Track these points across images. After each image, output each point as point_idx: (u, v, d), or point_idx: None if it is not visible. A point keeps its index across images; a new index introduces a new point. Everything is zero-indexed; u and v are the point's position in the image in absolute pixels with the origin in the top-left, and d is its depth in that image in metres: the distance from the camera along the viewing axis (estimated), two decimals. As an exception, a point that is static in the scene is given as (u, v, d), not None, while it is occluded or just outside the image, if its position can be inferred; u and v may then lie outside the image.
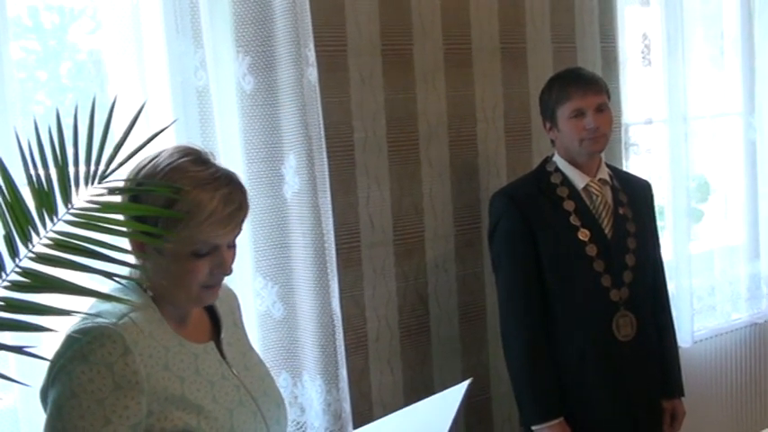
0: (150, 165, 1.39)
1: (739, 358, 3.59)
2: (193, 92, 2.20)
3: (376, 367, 2.65)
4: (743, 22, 3.53)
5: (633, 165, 3.25)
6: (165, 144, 1.51)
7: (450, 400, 1.71)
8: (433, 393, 2.71)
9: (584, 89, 2.35)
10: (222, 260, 1.41)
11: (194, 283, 1.40)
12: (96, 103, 1.25)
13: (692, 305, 3.26)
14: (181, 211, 1.33)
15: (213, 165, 1.42)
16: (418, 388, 2.71)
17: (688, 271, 3.25)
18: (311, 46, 2.27)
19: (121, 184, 1.28)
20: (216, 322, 1.54)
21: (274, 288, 2.34)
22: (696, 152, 3.40)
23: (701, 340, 3.36)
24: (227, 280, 1.55)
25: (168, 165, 1.38)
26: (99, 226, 1.19)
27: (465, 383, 1.75)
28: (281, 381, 2.34)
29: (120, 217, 1.30)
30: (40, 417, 2.02)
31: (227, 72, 2.28)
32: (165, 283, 1.39)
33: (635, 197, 2.46)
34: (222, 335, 1.52)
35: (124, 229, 1.27)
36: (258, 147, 2.29)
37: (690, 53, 3.29)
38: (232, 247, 1.44)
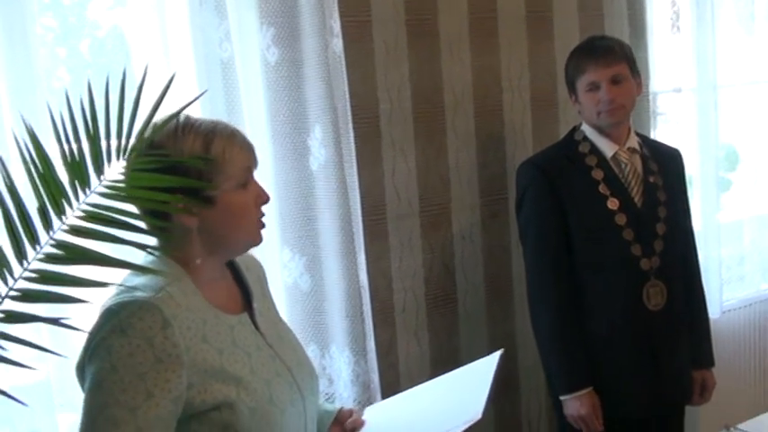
0: (165, 130, 1.38)
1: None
2: (218, 64, 2.20)
3: (403, 339, 2.65)
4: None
5: (660, 134, 3.21)
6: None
7: (482, 370, 1.70)
8: (460, 365, 2.74)
9: (596, 61, 2.32)
10: (259, 188, 1.46)
11: (251, 218, 1.44)
12: (120, 78, 1.25)
13: (721, 275, 3.22)
14: (218, 152, 1.37)
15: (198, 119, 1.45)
16: (445, 359, 2.71)
17: (717, 241, 3.21)
18: (336, 16, 2.25)
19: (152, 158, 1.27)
20: (245, 293, 1.54)
21: (302, 260, 2.34)
22: (724, 121, 3.34)
23: (729, 310, 3.34)
24: (253, 251, 1.57)
25: (181, 122, 1.38)
26: (140, 199, 1.18)
27: (497, 354, 1.74)
28: (310, 352, 2.34)
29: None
30: (73, 389, 2.05)
31: (251, 44, 2.26)
32: (226, 232, 1.41)
33: (665, 165, 2.42)
34: (255, 305, 1.52)
35: (161, 198, 1.26)
36: (284, 119, 2.28)
37: (719, 19, 3.23)
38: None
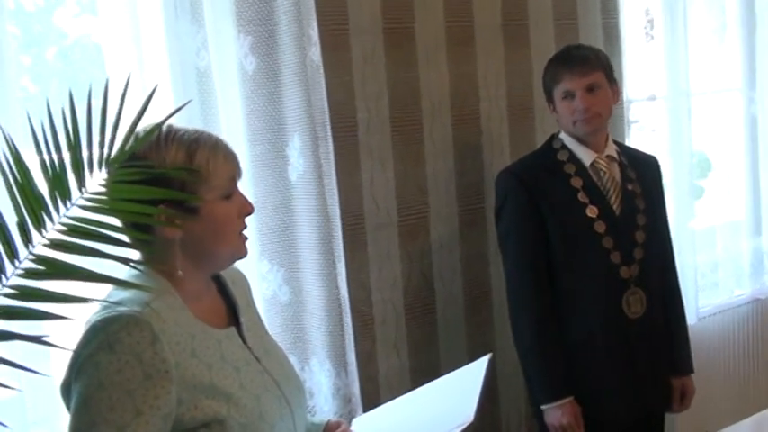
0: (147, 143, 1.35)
1: (742, 334, 3.58)
2: (193, 73, 2.16)
3: (383, 350, 2.62)
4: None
5: (634, 142, 3.22)
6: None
7: (472, 375, 1.69)
8: (440, 375, 2.72)
9: (571, 71, 2.32)
10: (243, 199, 1.44)
11: (234, 229, 1.42)
12: (89, 88, 1.21)
13: (697, 282, 3.25)
14: (201, 163, 1.35)
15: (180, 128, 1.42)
16: (425, 371, 2.69)
17: (692, 248, 3.24)
18: (314, 25, 2.23)
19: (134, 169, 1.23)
20: (231, 306, 1.51)
21: (280, 271, 2.31)
22: (696, 129, 3.37)
23: (705, 317, 3.36)
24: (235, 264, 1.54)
25: (165, 133, 1.36)
26: (122, 211, 1.14)
27: (485, 359, 1.72)
28: (290, 365, 2.31)
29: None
30: (47, 405, 2.00)
31: (228, 53, 2.23)
32: (209, 245, 1.39)
33: (643, 173, 2.43)
34: (241, 319, 1.49)
35: (144, 211, 1.23)
36: (261, 128, 2.25)
37: (691, 28, 3.26)
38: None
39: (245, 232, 1.46)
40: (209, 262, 1.43)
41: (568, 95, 2.32)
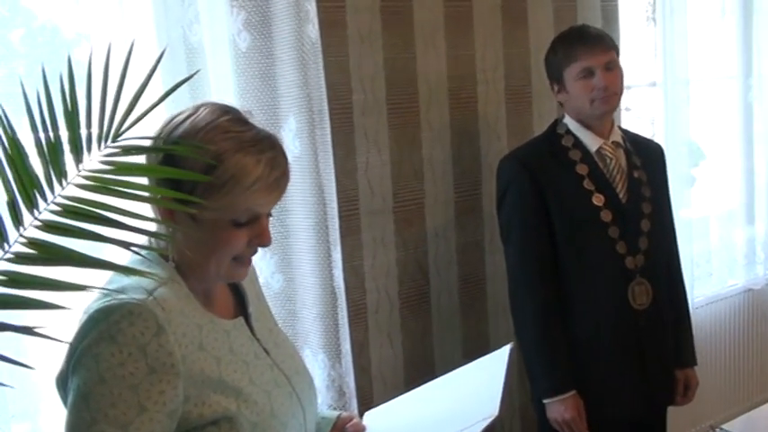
0: (189, 123, 1.24)
1: (735, 324, 3.56)
2: (182, 48, 2.05)
3: (376, 340, 2.54)
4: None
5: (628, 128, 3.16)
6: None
7: (493, 365, 1.59)
8: (434, 367, 2.64)
9: (591, 47, 2.24)
10: (262, 230, 1.27)
11: (229, 255, 1.26)
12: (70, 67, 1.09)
13: (693, 272, 3.20)
14: (223, 176, 1.20)
15: (255, 126, 1.28)
16: (418, 362, 2.62)
17: (688, 237, 3.19)
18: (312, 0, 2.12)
19: (140, 143, 1.13)
20: (239, 296, 1.41)
21: (273, 258, 2.22)
22: (692, 116, 3.32)
23: (699, 307, 3.32)
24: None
25: (209, 123, 1.23)
26: (118, 190, 1.04)
27: (507, 348, 1.62)
28: (282, 356, 2.22)
29: (144, 180, 1.16)
30: (28, 399, 1.90)
31: (220, 29, 2.12)
32: (195, 255, 1.24)
33: (648, 160, 2.35)
34: (250, 309, 1.39)
35: (147, 194, 1.12)
36: (255, 108, 2.14)
37: (690, 14, 3.20)
38: (269, 216, 1.31)
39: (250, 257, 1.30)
40: (196, 270, 1.28)
41: (587, 73, 2.23)
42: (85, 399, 1.13)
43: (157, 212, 1.24)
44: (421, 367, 2.62)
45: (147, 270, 1.16)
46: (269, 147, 1.25)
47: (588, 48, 2.24)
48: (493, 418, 1.43)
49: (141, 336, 1.14)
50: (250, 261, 1.32)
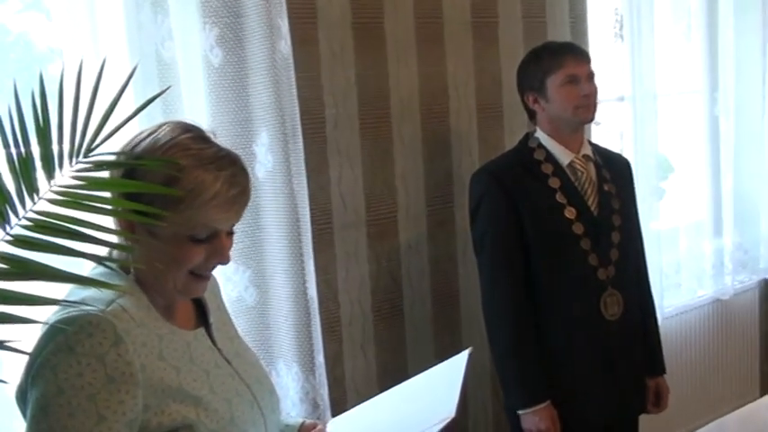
0: (150, 139, 1.27)
1: (703, 334, 3.61)
2: (154, 64, 2.06)
3: (349, 352, 2.56)
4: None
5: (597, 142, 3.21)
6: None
7: (452, 370, 1.63)
8: (407, 378, 2.66)
9: (578, 57, 2.32)
10: (221, 247, 1.29)
11: (185, 270, 1.28)
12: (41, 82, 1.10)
13: (662, 283, 3.25)
14: (182, 191, 1.22)
15: (216, 144, 1.30)
16: (392, 373, 2.63)
17: (657, 248, 3.24)
18: (284, 15, 2.15)
19: (111, 158, 1.15)
20: (200, 307, 1.43)
21: (246, 273, 2.23)
22: (660, 130, 3.38)
23: (668, 317, 3.36)
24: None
25: (170, 140, 1.26)
26: (87, 205, 1.05)
27: (465, 353, 1.66)
28: (256, 369, 2.23)
29: (108, 194, 1.18)
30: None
31: (192, 45, 2.14)
32: (152, 268, 1.26)
33: (617, 174, 2.40)
34: (211, 319, 1.41)
35: (112, 207, 1.14)
36: (228, 123, 2.16)
37: (657, 29, 3.27)
38: (231, 234, 1.33)
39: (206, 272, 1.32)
40: (155, 283, 1.29)
41: (573, 80, 2.27)
42: (44, 410, 1.14)
43: (119, 225, 1.26)
44: (395, 378, 2.59)
45: (111, 282, 1.18)
46: (228, 164, 1.28)
47: (575, 56, 2.30)
48: (449, 420, 1.46)
49: (99, 346, 1.15)
50: (208, 277, 1.34)
